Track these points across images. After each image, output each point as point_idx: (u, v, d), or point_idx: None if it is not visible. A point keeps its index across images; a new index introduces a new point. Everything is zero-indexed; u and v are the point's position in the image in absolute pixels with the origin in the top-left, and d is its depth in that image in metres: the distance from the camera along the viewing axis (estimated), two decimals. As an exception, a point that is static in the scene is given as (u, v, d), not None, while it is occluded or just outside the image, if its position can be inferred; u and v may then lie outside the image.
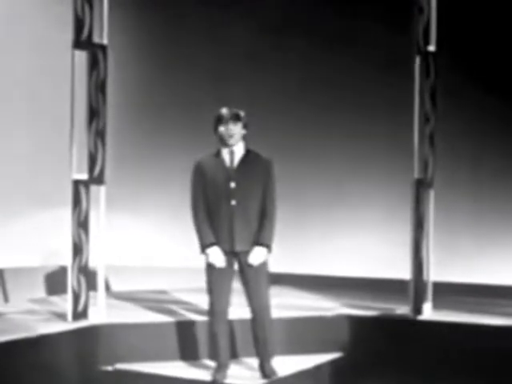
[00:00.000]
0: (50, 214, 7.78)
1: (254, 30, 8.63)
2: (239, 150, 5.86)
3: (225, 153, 5.85)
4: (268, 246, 5.81)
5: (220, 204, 5.79)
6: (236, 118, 5.81)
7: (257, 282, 5.82)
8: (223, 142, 5.83)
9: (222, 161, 5.84)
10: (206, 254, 5.81)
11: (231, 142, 5.81)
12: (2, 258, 7.60)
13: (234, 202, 5.78)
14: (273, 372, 5.90)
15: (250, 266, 5.78)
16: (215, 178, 5.81)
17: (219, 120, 5.81)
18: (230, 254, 5.82)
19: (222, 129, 5.81)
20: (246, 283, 5.85)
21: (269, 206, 5.81)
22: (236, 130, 5.81)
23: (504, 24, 7.84)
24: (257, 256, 5.79)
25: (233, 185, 5.79)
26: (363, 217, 8.41)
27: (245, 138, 5.89)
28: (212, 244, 5.79)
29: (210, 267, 5.83)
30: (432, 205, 6.93)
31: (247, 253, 5.80)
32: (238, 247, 5.79)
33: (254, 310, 5.86)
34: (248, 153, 5.87)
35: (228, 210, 5.77)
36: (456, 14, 7.72)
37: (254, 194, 5.80)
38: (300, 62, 8.62)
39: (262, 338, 5.88)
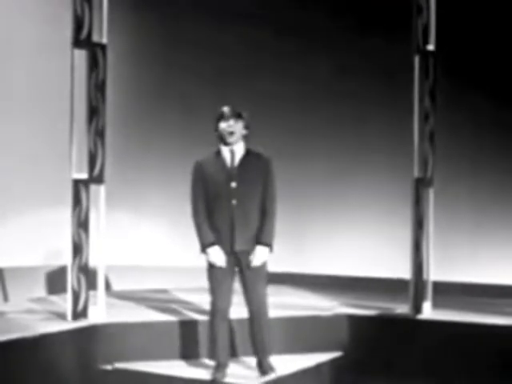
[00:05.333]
0: (50, 213, 7.77)
1: (253, 31, 8.63)
2: (239, 149, 5.85)
3: (225, 152, 5.84)
4: (269, 245, 5.81)
5: (220, 204, 5.78)
6: (237, 115, 5.80)
7: (255, 281, 5.82)
8: (223, 139, 5.82)
9: (222, 160, 5.83)
10: (207, 254, 5.81)
11: (231, 139, 5.79)
12: (2, 257, 7.59)
13: (234, 202, 5.77)
14: (270, 368, 5.90)
15: (251, 265, 5.78)
16: (215, 178, 5.80)
17: (220, 117, 5.80)
18: (231, 254, 5.82)
19: (222, 125, 5.80)
20: (244, 283, 5.85)
21: (269, 205, 5.80)
22: (236, 127, 5.79)
23: (503, 23, 7.84)
24: (259, 256, 5.79)
25: (233, 185, 5.78)
26: (363, 216, 8.40)
27: (246, 138, 5.88)
28: (212, 244, 5.79)
29: (211, 267, 5.83)
30: (432, 204, 6.93)
31: (248, 252, 5.79)
32: (239, 247, 5.78)
33: (251, 310, 5.86)
34: (248, 152, 5.86)
35: (228, 209, 5.76)
36: (455, 14, 7.72)
37: (254, 194, 5.79)
38: (300, 63, 8.61)
39: (259, 336, 5.88)
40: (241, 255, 5.81)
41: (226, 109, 5.81)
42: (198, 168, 5.85)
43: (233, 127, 5.78)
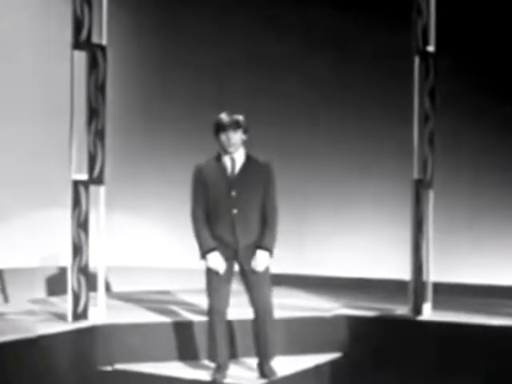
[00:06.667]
0: (50, 214, 7.78)
1: (253, 31, 8.64)
2: (240, 156, 5.84)
3: (226, 159, 5.83)
4: (270, 251, 5.81)
5: (221, 212, 5.78)
6: (236, 125, 5.78)
7: (260, 285, 5.82)
8: (224, 149, 5.83)
9: (222, 168, 5.83)
10: (206, 260, 5.81)
11: (232, 149, 5.80)
12: (2, 258, 7.60)
13: (235, 211, 5.77)
14: (272, 372, 5.91)
15: (254, 271, 5.79)
16: (216, 186, 5.80)
17: (219, 127, 5.79)
18: (232, 260, 5.83)
19: (223, 137, 5.79)
20: (248, 287, 5.85)
21: (270, 212, 5.81)
22: (236, 137, 5.79)
23: (503, 23, 7.85)
24: (260, 261, 5.79)
25: (234, 193, 5.77)
26: (363, 217, 8.41)
27: (245, 141, 5.88)
28: (212, 249, 5.79)
29: (209, 269, 5.83)
30: (432, 205, 6.93)
31: (249, 258, 5.80)
32: (241, 254, 5.79)
33: (257, 312, 5.86)
34: (248, 159, 5.86)
35: (229, 218, 5.77)
36: (455, 15, 7.73)
37: (255, 202, 5.80)
38: (300, 63, 8.62)
39: (263, 338, 5.88)
40: (243, 261, 5.81)
41: (224, 118, 5.79)
42: (197, 172, 5.85)
43: (232, 138, 5.78)
